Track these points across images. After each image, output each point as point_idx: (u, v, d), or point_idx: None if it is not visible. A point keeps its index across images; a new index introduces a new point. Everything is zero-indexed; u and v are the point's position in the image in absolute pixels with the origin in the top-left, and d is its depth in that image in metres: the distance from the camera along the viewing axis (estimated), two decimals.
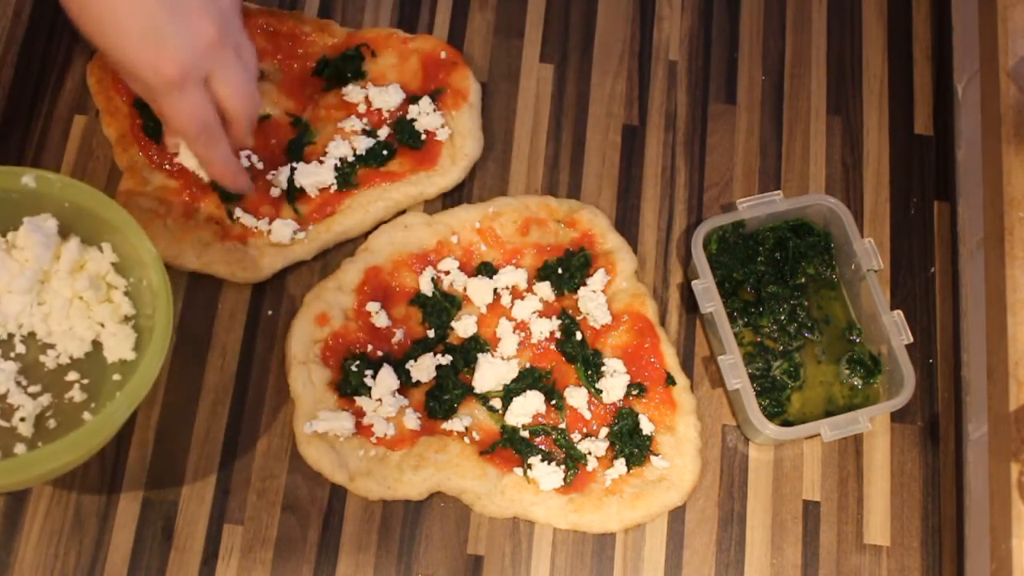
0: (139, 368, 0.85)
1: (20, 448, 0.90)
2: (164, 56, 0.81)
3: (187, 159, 1.01)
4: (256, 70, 0.90)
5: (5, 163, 1.03)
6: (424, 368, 0.98)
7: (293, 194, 1.04)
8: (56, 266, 0.93)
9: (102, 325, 0.93)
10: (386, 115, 1.07)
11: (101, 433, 0.84)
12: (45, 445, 0.86)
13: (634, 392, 0.99)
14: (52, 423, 0.91)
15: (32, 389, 0.92)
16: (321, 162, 1.05)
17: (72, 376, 0.93)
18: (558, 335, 1.01)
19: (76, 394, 0.93)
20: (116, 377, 0.93)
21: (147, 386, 0.85)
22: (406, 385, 0.98)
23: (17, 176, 0.90)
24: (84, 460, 0.90)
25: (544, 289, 1.02)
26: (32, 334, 0.94)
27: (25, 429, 0.90)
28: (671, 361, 1.00)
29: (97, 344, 0.94)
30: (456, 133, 1.07)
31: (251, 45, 0.89)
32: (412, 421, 0.96)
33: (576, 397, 0.98)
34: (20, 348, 0.93)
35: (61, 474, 0.91)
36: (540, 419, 0.98)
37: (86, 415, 0.92)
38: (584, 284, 1.02)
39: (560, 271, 1.02)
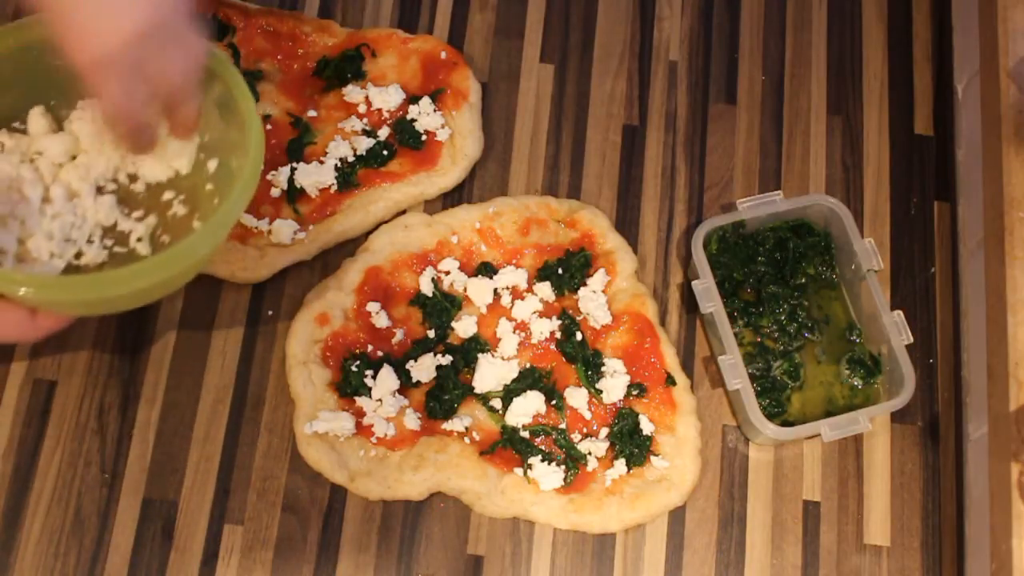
0: (245, 168, 0.85)
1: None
2: (94, 37, 0.77)
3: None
4: (198, 59, 0.85)
5: None
6: (424, 368, 0.98)
7: (293, 194, 1.04)
8: None
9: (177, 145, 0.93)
10: (386, 115, 1.07)
11: (215, 236, 0.84)
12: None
13: (634, 392, 0.99)
14: (166, 238, 0.93)
15: (136, 214, 0.93)
16: (321, 162, 1.05)
17: (168, 195, 0.94)
18: (558, 335, 1.01)
19: (178, 209, 0.93)
20: (209, 187, 0.93)
21: (252, 188, 0.85)
22: (406, 385, 0.98)
23: None
24: (202, 266, 0.91)
25: (544, 289, 1.02)
26: (118, 170, 0.94)
27: (143, 248, 0.92)
28: (671, 361, 1.00)
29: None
30: (456, 133, 1.07)
31: (199, 39, 0.85)
32: (412, 421, 0.97)
33: (576, 397, 0.98)
34: (111, 185, 0.94)
35: (184, 282, 0.92)
36: (540, 419, 0.98)
37: (196, 223, 0.92)
38: (584, 284, 1.02)
39: (560, 271, 1.02)
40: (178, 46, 0.83)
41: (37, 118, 0.92)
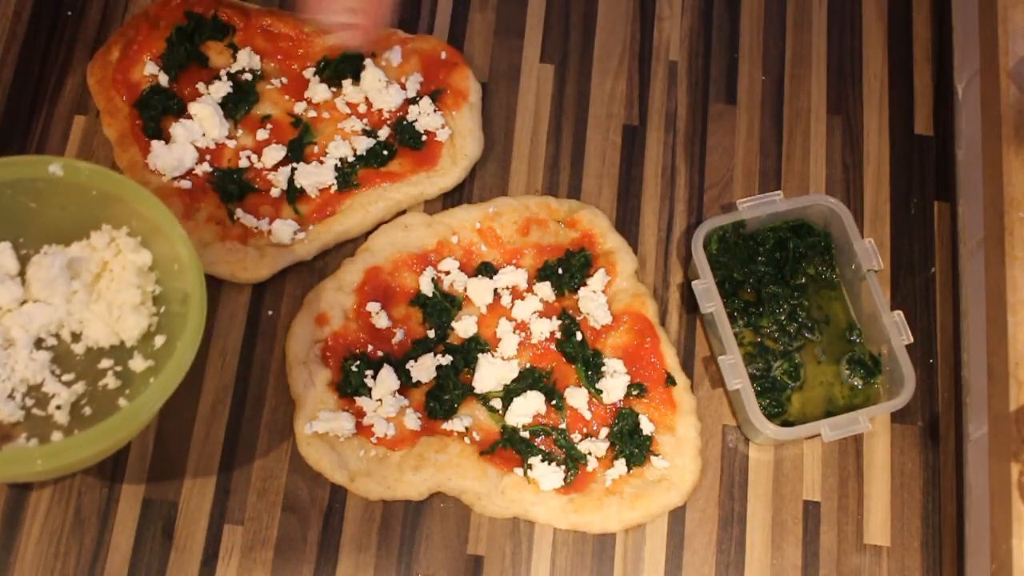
0: (173, 355, 0.84)
1: (57, 436, 0.90)
2: None
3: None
4: None
5: None
6: (424, 368, 0.98)
7: (293, 194, 1.04)
8: (85, 263, 0.93)
9: (131, 313, 0.93)
10: (386, 115, 1.07)
11: (136, 420, 0.84)
12: (80, 432, 0.86)
13: (634, 392, 0.99)
14: (88, 411, 0.92)
15: (66, 378, 0.92)
16: (321, 162, 1.05)
17: (105, 364, 0.93)
18: (558, 335, 1.01)
19: (110, 381, 0.93)
20: (149, 363, 0.93)
21: (181, 373, 0.84)
22: (406, 385, 0.98)
23: (44, 165, 0.89)
24: (120, 447, 0.90)
25: (544, 289, 1.02)
26: (62, 325, 0.94)
27: (61, 417, 0.91)
28: (671, 361, 1.00)
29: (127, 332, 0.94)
30: (456, 133, 1.07)
31: None
32: (412, 421, 0.96)
33: (576, 397, 0.98)
34: (51, 340, 0.93)
35: (96, 462, 0.92)
36: (540, 419, 0.98)
37: (121, 401, 0.92)
38: (584, 284, 1.02)
39: (560, 271, 1.02)
40: None
41: (2, 256, 0.92)
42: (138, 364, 0.93)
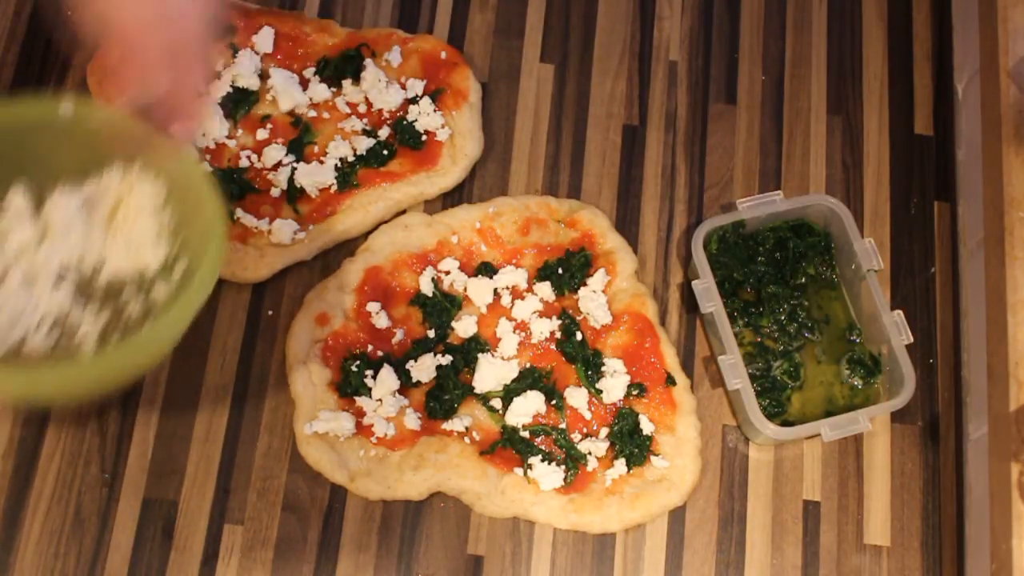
0: (195, 279, 0.84)
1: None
2: None
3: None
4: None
5: None
6: (424, 368, 0.98)
7: (293, 194, 1.04)
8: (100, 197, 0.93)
9: (150, 245, 0.93)
10: (386, 115, 1.07)
11: (156, 343, 0.84)
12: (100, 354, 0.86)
13: (634, 392, 0.99)
14: (114, 340, 0.91)
15: (91, 308, 0.92)
16: (321, 162, 1.05)
17: (128, 293, 0.93)
18: (558, 335, 1.01)
19: (135, 310, 0.92)
20: (172, 290, 0.92)
21: (203, 296, 0.84)
22: (406, 385, 0.98)
23: (55, 107, 0.88)
24: (143, 371, 0.91)
25: (544, 289, 1.02)
26: (83, 259, 0.93)
27: (89, 347, 0.91)
28: (671, 361, 1.00)
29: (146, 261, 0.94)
30: (456, 133, 1.07)
31: None
32: (412, 421, 0.96)
33: (576, 397, 0.98)
34: (73, 275, 0.93)
35: (122, 385, 0.92)
36: (540, 419, 0.98)
37: (146, 328, 0.92)
38: (584, 284, 1.02)
39: (560, 271, 1.02)
40: None
41: (16, 197, 0.91)
42: (160, 292, 0.92)
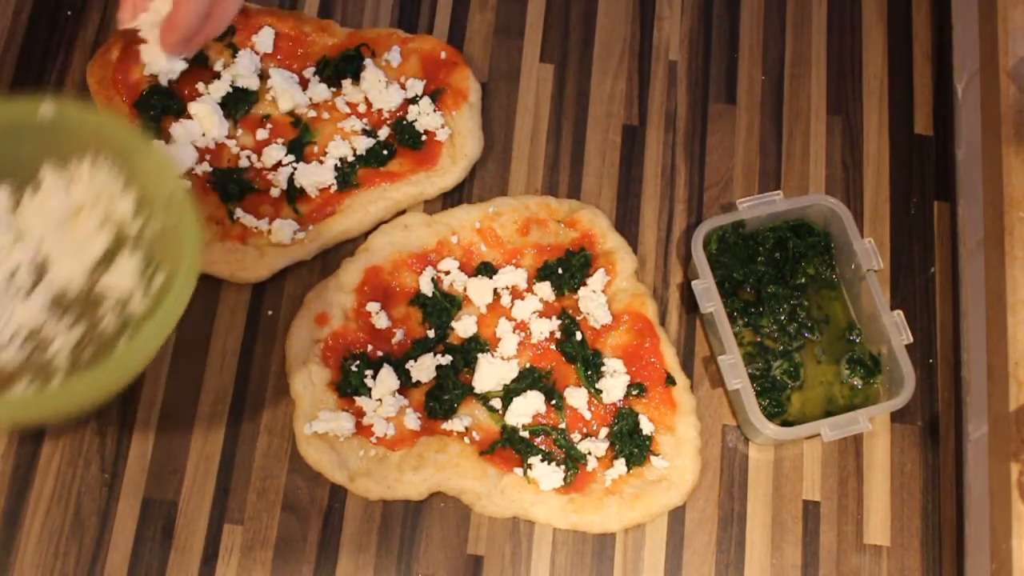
0: (169, 295, 0.83)
1: (58, 380, 0.89)
2: None
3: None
4: None
5: None
6: (424, 368, 0.98)
7: (293, 194, 1.04)
8: (79, 201, 0.92)
9: (126, 257, 0.93)
10: (386, 115, 1.07)
11: (135, 359, 0.83)
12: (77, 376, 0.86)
13: (634, 392, 0.99)
14: (88, 353, 0.91)
15: (66, 320, 0.92)
16: (321, 162, 1.05)
17: (104, 306, 0.93)
18: (558, 335, 1.01)
19: (110, 324, 0.92)
20: (148, 304, 0.92)
21: (177, 314, 0.83)
22: (406, 385, 0.98)
23: (35, 107, 0.88)
24: (118, 390, 0.90)
25: (544, 289, 1.02)
26: (49, 266, 0.93)
27: (62, 361, 0.90)
28: (671, 361, 1.00)
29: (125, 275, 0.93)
30: (456, 133, 1.07)
31: None
32: (412, 421, 0.97)
33: (576, 397, 0.98)
34: (48, 283, 0.92)
35: (97, 404, 0.92)
36: (540, 419, 0.98)
37: (121, 343, 0.90)
38: (584, 284, 1.02)
39: (560, 271, 1.02)
40: None
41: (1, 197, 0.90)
42: (137, 305, 0.92)
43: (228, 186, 1.03)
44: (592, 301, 1.01)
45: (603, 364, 0.99)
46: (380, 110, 1.07)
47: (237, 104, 1.06)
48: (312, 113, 1.07)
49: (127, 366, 0.83)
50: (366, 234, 1.04)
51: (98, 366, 0.82)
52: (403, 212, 1.06)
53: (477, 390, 0.98)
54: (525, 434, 0.97)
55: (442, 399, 0.98)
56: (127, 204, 0.92)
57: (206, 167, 1.03)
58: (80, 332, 0.91)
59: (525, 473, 0.96)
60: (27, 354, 0.89)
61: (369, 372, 0.97)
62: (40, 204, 0.91)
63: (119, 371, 0.83)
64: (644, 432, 0.97)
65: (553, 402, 0.98)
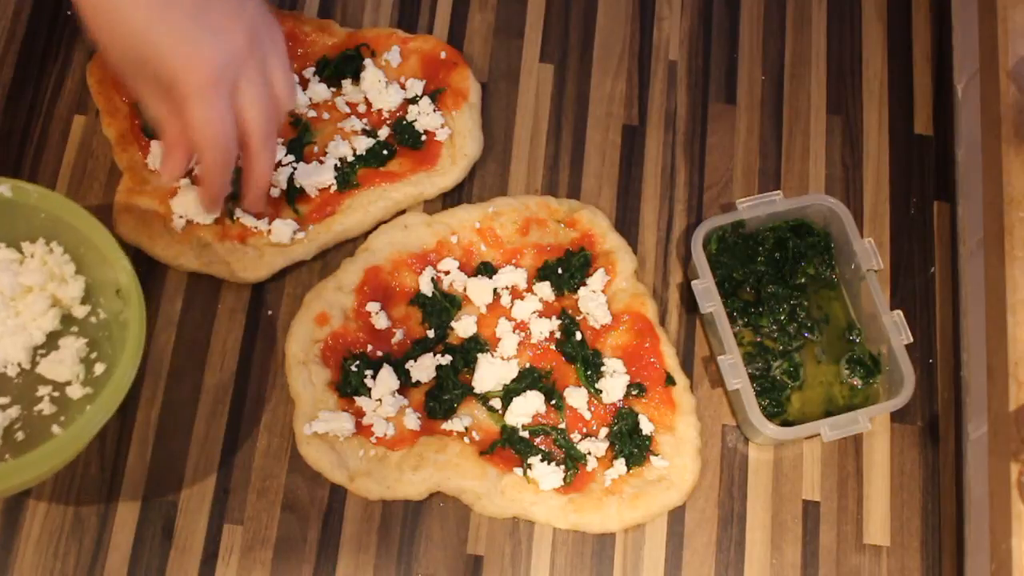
0: (109, 383, 0.84)
1: None
2: (200, 58, 0.80)
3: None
4: (290, 95, 0.89)
5: (4, 163, 1.04)
6: (424, 368, 0.98)
7: (293, 194, 1.04)
8: (25, 283, 0.93)
9: (71, 339, 0.93)
10: (386, 115, 1.07)
11: (69, 448, 0.84)
12: (12, 459, 0.87)
13: (634, 392, 0.99)
14: (20, 435, 0.91)
15: (1, 400, 0.92)
16: (321, 162, 1.05)
17: (42, 389, 0.93)
18: (558, 335, 1.01)
19: (46, 406, 0.92)
20: (87, 390, 0.92)
21: (117, 401, 0.84)
22: (406, 385, 0.98)
23: None
24: (51, 474, 0.91)
25: (544, 289, 1.02)
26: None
27: None
28: (671, 361, 1.00)
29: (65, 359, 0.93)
30: (456, 133, 1.07)
31: (287, 71, 0.89)
32: (412, 421, 0.97)
33: (576, 397, 0.98)
34: None
35: (29, 487, 0.92)
36: (540, 419, 0.98)
37: (55, 428, 0.91)
38: (584, 284, 1.02)
39: (560, 271, 1.02)
40: (267, 69, 0.86)
41: None
42: (75, 391, 0.92)
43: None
44: (592, 301, 1.01)
45: (603, 364, 0.99)
46: (380, 110, 1.07)
47: None
48: (312, 113, 1.07)
49: (62, 452, 0.84)
50: (366, 234, 1.04)
51: (32, 450, 0.82)
52: (403, 212, 1.06)
53: (477, 390, 0.98)
54: (525, 434, 0.97)
55: (442, 399, 0.98)
56: (76, 290, 0.93)
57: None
58: (16, 413, 0.91)
59: (525, 473, 0.96)
60: None
61: (369, 372, 0.97)
62: None
63: (53, 457, 0.83)
64: (644, 432, 0.97)
65: (553, 402, 0.98)
